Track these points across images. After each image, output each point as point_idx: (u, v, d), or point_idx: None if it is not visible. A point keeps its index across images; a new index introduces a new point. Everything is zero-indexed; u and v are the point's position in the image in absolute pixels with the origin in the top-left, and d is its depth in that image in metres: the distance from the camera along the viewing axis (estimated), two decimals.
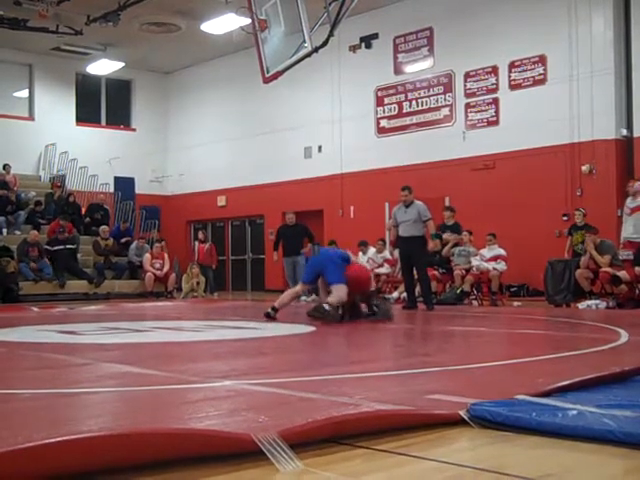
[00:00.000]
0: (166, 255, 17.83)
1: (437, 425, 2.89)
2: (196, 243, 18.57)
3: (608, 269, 11.70)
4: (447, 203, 16.04)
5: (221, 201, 21.72)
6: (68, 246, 16.95)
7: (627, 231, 12.16)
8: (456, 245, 13.99)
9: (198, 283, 17.32)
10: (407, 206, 11.59)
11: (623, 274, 11.60)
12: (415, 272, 11.74)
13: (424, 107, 17.05)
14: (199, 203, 22.07)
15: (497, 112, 15.85)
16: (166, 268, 17.41)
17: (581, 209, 13.22)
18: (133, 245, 18.20)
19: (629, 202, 12.37)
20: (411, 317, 10.34)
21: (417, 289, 13.62)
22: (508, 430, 2.81)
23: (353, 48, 18.23)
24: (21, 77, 21.47)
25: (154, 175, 23.08)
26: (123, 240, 18.62)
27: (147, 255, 17.45)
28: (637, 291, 11.88)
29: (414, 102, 17.24)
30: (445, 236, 14.07)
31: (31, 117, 21.39)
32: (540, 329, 8.46)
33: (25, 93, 21.62)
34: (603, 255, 11.84)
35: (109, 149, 21.82)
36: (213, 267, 18.12)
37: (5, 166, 19.26)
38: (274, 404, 3.37)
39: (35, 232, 16.75)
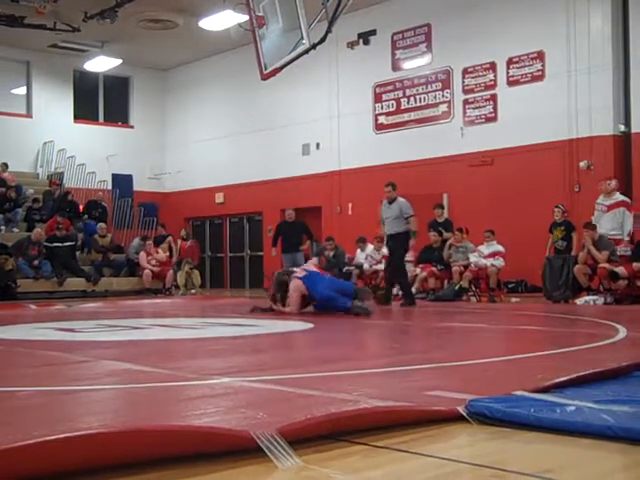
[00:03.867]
0: (163, 249, 17.79)
1: (436, 421, 2.89)
2: (179, 240, 18.49)
3: (606, 265, 11.71)
4: (445, 199, 16.05)
5: (219, 198, 21.70)
6: (66, 243, 16.92)
7: (604, 227, 12.23)
8: (445, 241, 14.04)
9: (193, 281, 17.34)
10: (390, 202, 11.68)
11: (621, 270, 11.62)
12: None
13: (422, 103, 17.04)
14: (197, 200, 22.05)
15: (495, 108, 15.84)
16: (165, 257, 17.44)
17: (560, 205, 13.29)
18: (135, 242, 18.18)
19: (603, 200, 12.59)
20: (409, 314, 10.34)
21: (415, 286, 13.70)
22: (506, 426, 2.81)
23: (351, 45, 18.20)
24: (19, 74, 21.42)
25: (152, 172, 23.02)
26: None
27: (142, 253, 17.42)
28: (635, 287, 11.90)
29: (412, 98, 17.23)
30: (446, 235, 14.13)
31: (29, 114, 21.36)
32: (538, 325, 8.46)
33: (23, 90, 21.57)
34: (601, 251, 11.85)
35: (107, 146, 21.79)
36: (195, 263, 18.08)
37: (1, 164, 19.22)
38: (272, 401, 3.38)
39: (39, 230, 16.66)
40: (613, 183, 12.66)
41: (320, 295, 9.49)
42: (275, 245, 15.35)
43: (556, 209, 13.19)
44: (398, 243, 11.58)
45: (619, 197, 12.62)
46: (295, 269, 10.41)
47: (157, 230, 19.35)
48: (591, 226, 12.07)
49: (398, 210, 11.52)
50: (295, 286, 9.63)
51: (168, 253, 17.87)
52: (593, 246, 11.91)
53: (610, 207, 12.46)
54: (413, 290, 13.66)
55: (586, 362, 4.44)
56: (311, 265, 10.64)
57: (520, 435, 2.73)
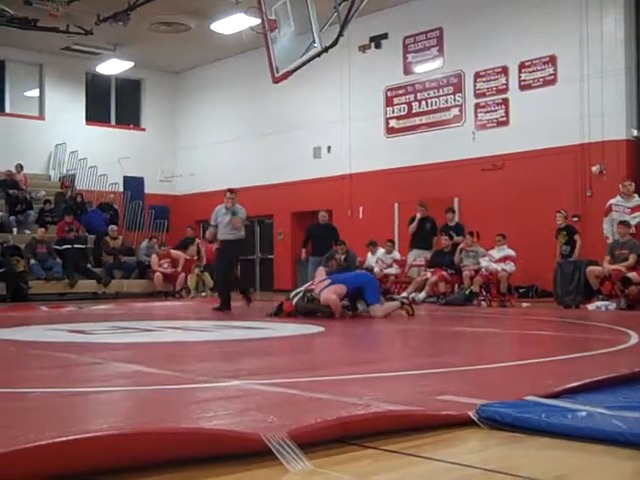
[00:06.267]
0: (192, 252, 17.75)
1: (446, 426, 2.88)
2: (205, 243, 18.50)
3: (621, 267, 11.65)
4: (456, 203, 16.03)
5: None
6: (77, 245, 16.98)
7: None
8: (456, 245, 14.00)
9: (204, 282, 17.33)
10: (228, 209, 12.32)
11: (634, 275, 11.56)
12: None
13: (434, 107, 17.02)
14: (208, 203, 21.94)
15: (507, 112, 15.81)
16: (179, 268, 17.34)
17: (562, 211, 13.25)
18: (143, 244, 18.21)
19: (624, 202, 12.47)
20: (420, 318, 10.32)
21: (426, 290, 13.70)
22: (517, 431, 2.80)
23: (363, 48, 18.20)
24: (31, 77, 21.54)
25: (163, 175, 23.09)
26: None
27: (154, 256, 17.43)
28: None
29: (424, 102, 17.21)
30: (457, 239, 14.11)
31: (41, 116, 21.47)
32: (549, 330, 8.43)
33: (35, 93, 21.69)
34: (630, 253, 11.78)
35: (119, 149, 21.85)
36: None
37: (16, 165, 19.36)
38: (283, 404, 3.37)
39: (42, 230, 16.73)
40: (634, 185, 12.58)
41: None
42: (305, 247, 15.31)
43: (558, 214, 13.17)
44: (230, 250, 12.04)
45: (639, 199, 12.53)
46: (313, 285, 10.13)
47: (186, 232, 19.19)
48: (626, 223, 12.01)
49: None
50: (333, 293, 9.58)
51: (196, 256, 17.82)
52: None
53: (634, 209, 12.36)
54: (423, 294, 13.69)
55: (598, 368, 4.42)
56: (322, 273, 10.49)
57: (531, 440, 2.72)
